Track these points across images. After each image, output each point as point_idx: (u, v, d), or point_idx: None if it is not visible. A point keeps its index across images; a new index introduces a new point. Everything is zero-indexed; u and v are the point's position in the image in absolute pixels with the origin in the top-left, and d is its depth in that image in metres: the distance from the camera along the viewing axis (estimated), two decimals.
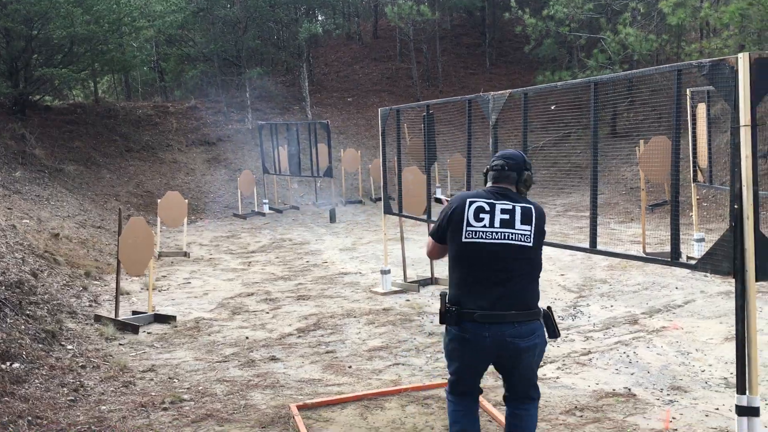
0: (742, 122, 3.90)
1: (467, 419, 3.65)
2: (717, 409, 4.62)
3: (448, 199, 3.96)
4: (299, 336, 6.81)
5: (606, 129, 19.73)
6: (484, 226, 3.41)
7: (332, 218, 15.72)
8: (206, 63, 23.93)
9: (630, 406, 4.76)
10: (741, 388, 4.03)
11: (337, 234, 14.01)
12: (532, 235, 3.44)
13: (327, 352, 6.25)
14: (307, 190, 19.39)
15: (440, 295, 3.53)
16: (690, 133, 9.37)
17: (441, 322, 3.50)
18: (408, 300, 8.12)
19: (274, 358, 6.11)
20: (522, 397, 3.61)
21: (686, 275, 8.34)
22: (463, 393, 3.65)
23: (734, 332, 6.29)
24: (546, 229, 3.60)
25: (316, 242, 13.05)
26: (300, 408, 4.85)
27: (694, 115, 9.36)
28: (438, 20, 25.15)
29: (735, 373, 4.02)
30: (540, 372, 5.55)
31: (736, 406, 4.02)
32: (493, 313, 3.36)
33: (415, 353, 6.20)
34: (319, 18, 25.36)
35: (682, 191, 13.15)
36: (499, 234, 3.40)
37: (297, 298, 8.41)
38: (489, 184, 3.65)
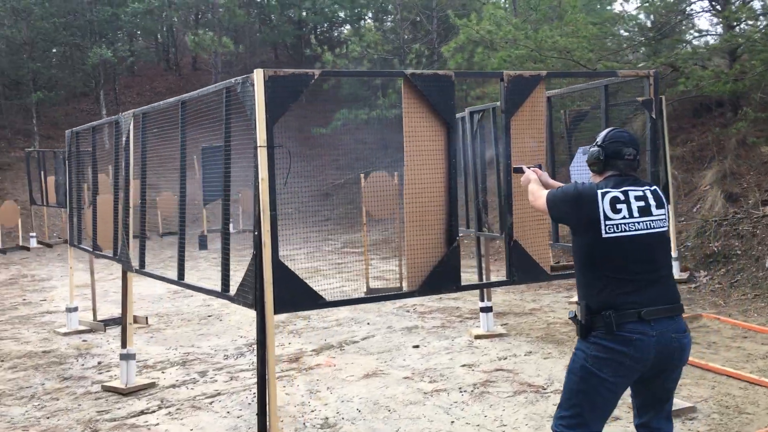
0: (258, 143, 3.64)
1: None
2: None
3: (531, 167, 3.71)
4: None
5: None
6: (624, 217, 3.03)
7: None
8: None
9: None
10: None
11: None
12: (666, 219, 3.17)
13: None
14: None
15: (575, 310, 3.09)
16: None
17: (583, 337, 3.03)
18: (85, 341, 7.39)
19: None
20: (667, 416, 3.16)
21: (388, 311, 8.20)
22: None
23: (380, 368, 6.13)
24: None
25: (62, 278, 11.96)
26: None
27: None
28: (246, 53, 24.74)
29: (257, 418, 3.68)
30: (142, 419, 5.05)
31: None
32: (657, 308, 2.99)
33: (26, 401, 5.49)
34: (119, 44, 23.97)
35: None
36: (641, 224, 3.05)
37: None
38: (609, 173, 3.18)
